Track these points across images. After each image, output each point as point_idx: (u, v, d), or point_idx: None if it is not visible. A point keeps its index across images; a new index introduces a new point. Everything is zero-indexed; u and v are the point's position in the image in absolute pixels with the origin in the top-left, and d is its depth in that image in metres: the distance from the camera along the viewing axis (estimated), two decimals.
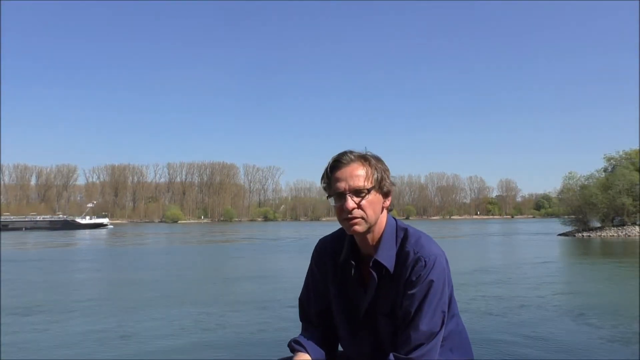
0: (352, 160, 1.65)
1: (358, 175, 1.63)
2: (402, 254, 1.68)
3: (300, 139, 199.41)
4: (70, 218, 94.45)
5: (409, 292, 1.62)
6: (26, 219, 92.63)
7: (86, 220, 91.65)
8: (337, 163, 1.66)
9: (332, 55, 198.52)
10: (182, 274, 20.07)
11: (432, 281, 1.62)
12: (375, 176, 1.66)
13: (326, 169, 1.68)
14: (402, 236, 1.72)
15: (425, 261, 1.63)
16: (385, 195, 1.70)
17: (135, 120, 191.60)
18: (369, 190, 1.64)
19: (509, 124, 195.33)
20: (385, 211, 1.73)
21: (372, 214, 1.65)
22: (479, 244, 39.38)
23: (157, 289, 15.87)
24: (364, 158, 1.67)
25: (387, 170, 1.71)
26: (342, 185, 1.63)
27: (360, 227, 1.65)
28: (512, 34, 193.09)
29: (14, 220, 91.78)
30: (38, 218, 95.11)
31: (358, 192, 1.63)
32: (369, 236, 1.70)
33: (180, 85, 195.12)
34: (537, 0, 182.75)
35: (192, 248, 37.86)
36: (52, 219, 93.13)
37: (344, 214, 1.64)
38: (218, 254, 32.44)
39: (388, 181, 1.70)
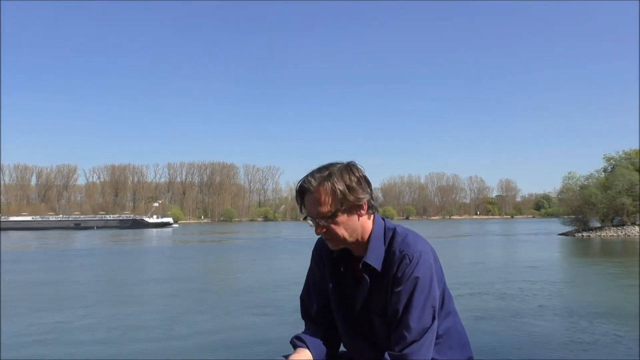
0: (313, 187, 1.68)
1: (321, 202, 1.67)
2: (389, 253, 1.71)
3: (300, 138, 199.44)
4: (139, 217, 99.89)
5: (396, 290, 1.65)
6: (96, 218, 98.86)
7: (154, 219, 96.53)
8: (302, 189, 1.71)
9: (332, 56, 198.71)
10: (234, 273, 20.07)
11: (417, 278, 1.64)
12: (339, 197, 1.66)
13: (296, 195, 1.74)
14: (390, 236, 1.75)
15: (409, 258, 1.66)
16: (357, 207, 1.70)
17: (135, 120, 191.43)
18: (333, 214, 1.67)
19: (509, 124, 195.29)
20: (365, 215, 1.73)
21: (344, 232, 1.70)
22: (479, 244, 39.31)
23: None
24: (326, 179, 1.68)
25: (358, 179, 1.70)
26: (309, 211, 1.70)
27: (334, 246, 1.74)
28: (513, 35, 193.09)
29: (85, 219, 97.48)
30: (108, 217, 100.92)
31: (323, 218, 1.68)
32: (355, 243, 1.75)
33: (181, 85, 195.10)
34: (538, 1, 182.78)
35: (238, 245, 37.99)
36: (121, 218, 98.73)
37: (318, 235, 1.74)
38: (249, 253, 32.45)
39: (357, 192, 1.69)
